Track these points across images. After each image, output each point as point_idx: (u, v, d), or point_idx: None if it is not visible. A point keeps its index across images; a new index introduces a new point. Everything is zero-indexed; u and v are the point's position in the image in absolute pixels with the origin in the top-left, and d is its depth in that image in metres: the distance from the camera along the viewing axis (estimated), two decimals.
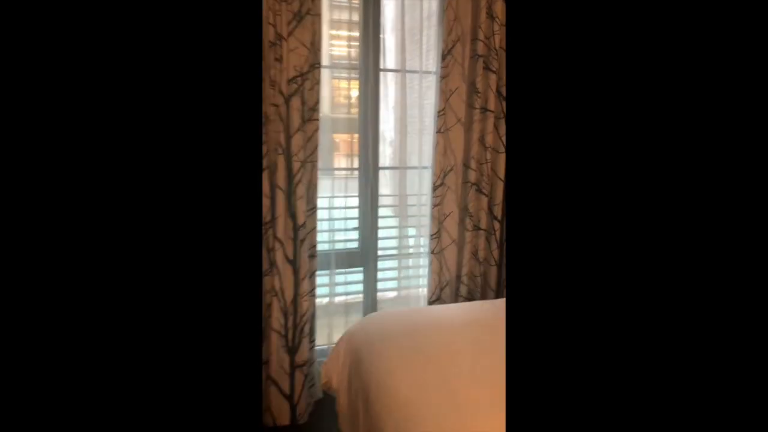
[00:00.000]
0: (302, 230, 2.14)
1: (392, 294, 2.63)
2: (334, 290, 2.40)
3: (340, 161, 2.47)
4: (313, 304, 2.25)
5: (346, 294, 2.52)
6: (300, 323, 2.19)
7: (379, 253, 2.52)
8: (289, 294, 2.16)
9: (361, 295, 2.52)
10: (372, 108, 2.37)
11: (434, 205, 2.41)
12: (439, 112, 2.35)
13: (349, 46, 2.37)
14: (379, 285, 2.55)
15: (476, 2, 2.31)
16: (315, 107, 2.12)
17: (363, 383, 1.65)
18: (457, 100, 2.36)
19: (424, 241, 2.52)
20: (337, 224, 2.45)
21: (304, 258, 2.17)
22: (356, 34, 2.32)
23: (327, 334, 2.41)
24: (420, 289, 2.57)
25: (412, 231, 2.52)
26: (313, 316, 2.25)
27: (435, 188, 2.40)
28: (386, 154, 2.57)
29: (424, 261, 2.54)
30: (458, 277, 2.51)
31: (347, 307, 2.51)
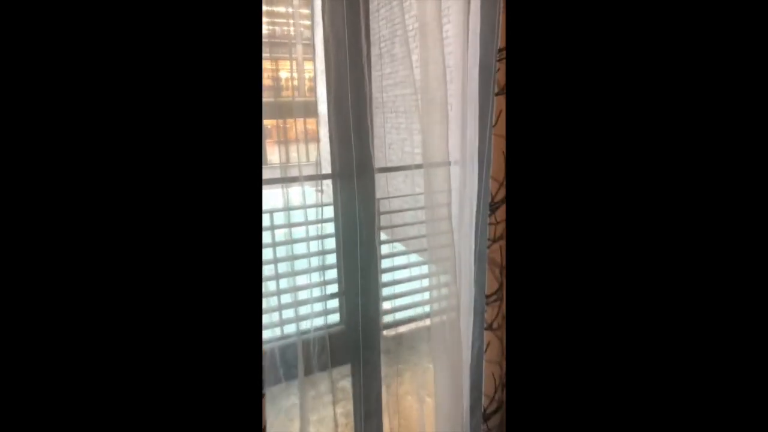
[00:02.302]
0: None
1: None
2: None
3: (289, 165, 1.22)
4: None
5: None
6: None
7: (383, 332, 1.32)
8: None
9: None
10: (358, 56, 1.14)
11: (492, 240, 1.23)
12: (498, 52, 1.16)
13: None
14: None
15: None
16: None
17: None
18: None
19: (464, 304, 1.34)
20: (300, 279, 1.22)
21: None
22: None
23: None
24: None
25: (445, 289, 1.32)
26: None
27: (493, 208, 1.22)
28: (385, 143, 1.35)
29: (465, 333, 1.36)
30: None
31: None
